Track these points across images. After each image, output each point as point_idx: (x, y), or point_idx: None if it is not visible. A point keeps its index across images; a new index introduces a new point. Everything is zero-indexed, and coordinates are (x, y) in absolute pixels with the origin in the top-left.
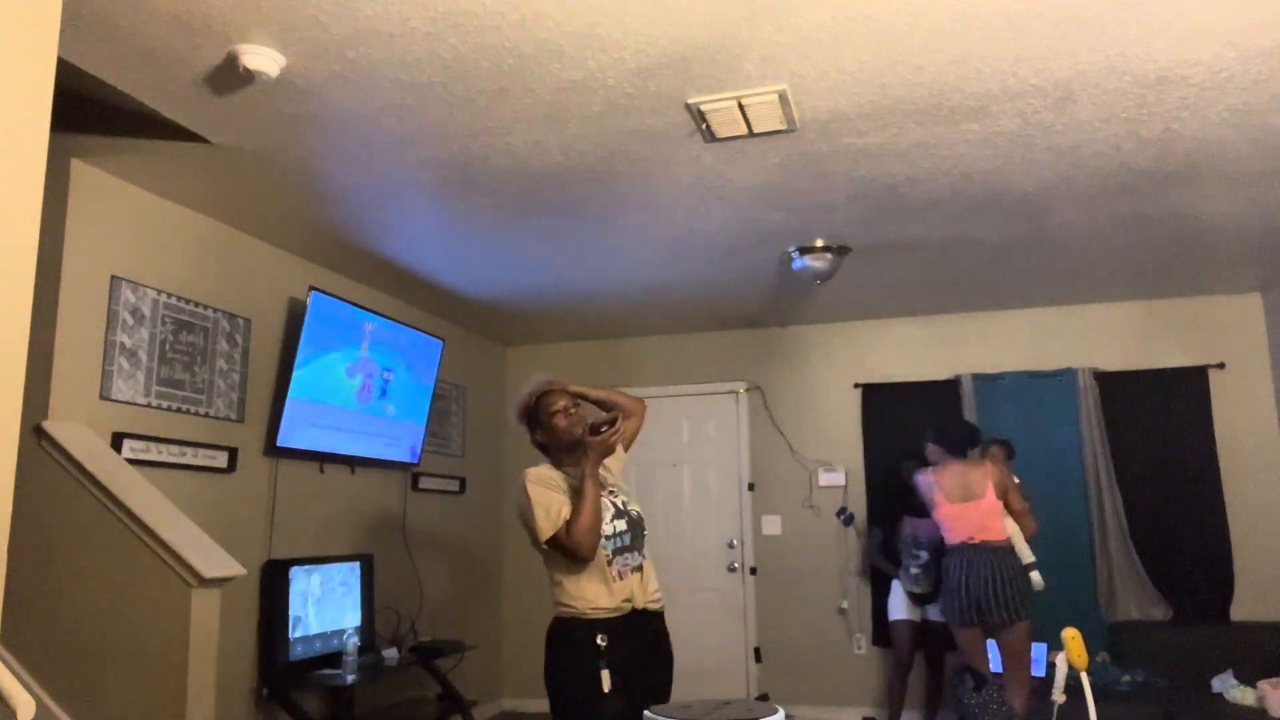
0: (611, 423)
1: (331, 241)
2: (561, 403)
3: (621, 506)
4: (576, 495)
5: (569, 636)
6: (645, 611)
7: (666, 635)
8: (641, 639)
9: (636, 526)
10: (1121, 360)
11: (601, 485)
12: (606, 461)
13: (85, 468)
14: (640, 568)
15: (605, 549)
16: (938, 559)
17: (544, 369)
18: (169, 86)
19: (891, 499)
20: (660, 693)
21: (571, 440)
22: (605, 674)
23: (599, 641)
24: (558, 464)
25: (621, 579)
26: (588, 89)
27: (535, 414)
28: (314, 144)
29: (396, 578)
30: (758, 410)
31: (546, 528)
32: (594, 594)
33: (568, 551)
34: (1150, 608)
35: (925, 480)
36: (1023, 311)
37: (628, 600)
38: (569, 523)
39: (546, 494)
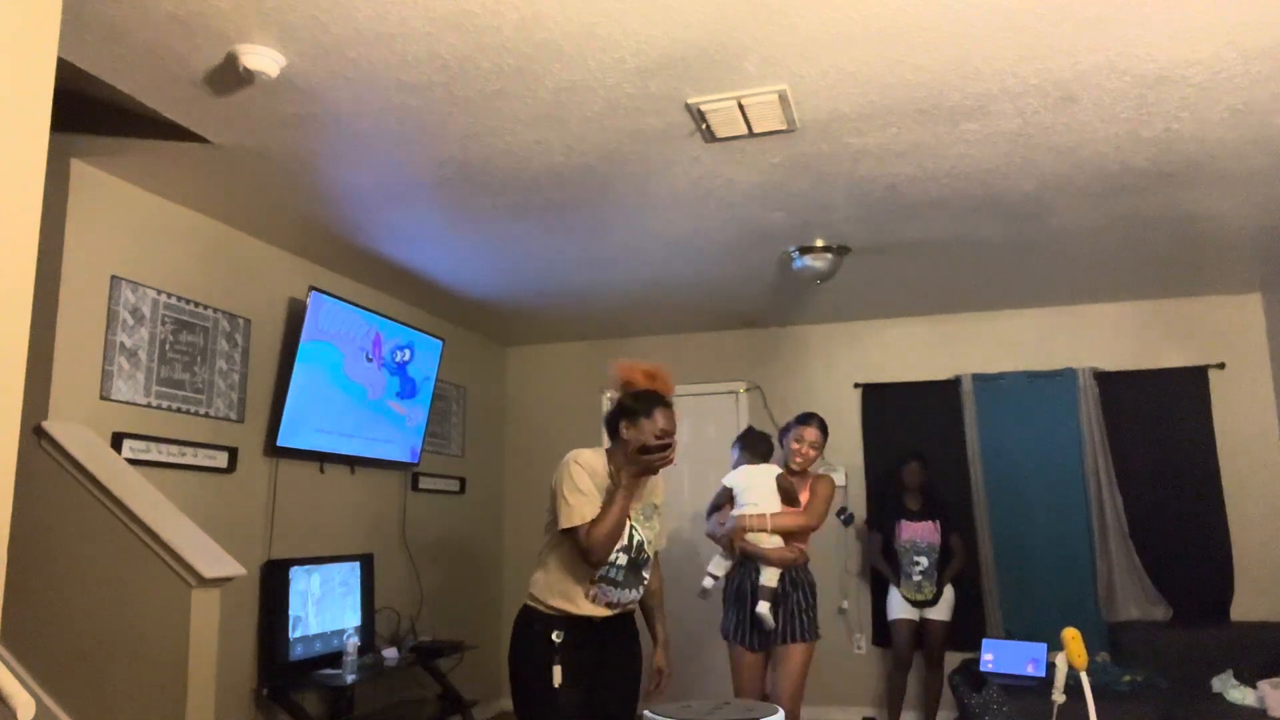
0: (662, 448)
1: (331, 241)
2: (665, 425)
3: (632, 543)
4: (608, 498)
5: (529, 628)
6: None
7: (635, 634)
8: (605, 637)
9: (636, 568)
10: (1121, 360)
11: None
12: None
13: (85, 468)
14: (620, 605)
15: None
16: (939, 564)
17: (544, 369)
18: (169, 86)
19: (887, 502)
20: (623, 689)
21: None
22: (557, 669)
23: (554, 637)
24: (610, 457)
25: (594, 603)
26: (588, 89)
27: (636, 407)
28: (314, 144)
29: (396, 578)
30: (758, 410)
31: (565, 520)
32: (562, 593)
33: (578, 548)
34: (1150, 608)
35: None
36: (1023, 311)
37: (590, 616)
38: (591, 525)
39: (588, 486)
